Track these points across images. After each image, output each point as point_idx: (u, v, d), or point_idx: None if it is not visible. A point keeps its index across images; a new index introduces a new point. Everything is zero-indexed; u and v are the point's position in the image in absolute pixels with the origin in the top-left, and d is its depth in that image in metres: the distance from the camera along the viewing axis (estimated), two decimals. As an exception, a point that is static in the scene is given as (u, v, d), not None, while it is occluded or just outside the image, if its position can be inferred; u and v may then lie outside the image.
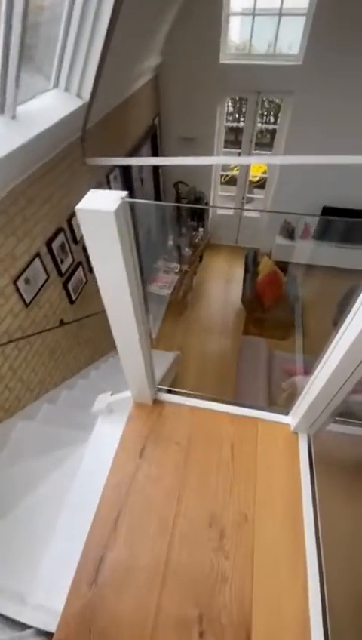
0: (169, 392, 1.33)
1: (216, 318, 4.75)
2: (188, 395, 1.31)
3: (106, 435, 1.32)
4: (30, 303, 1.97)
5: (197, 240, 4.65)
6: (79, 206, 0.63)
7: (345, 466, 1.19)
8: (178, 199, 4.97)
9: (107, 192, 0.67)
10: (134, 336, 0.95)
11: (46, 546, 1.08)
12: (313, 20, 3.39)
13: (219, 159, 4.05)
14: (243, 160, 4.39)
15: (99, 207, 0.62)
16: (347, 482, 1.17)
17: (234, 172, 6.12)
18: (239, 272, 5.29)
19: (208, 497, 1.07)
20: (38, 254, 2.00)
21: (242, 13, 3.73)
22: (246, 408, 1.25)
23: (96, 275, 0.77)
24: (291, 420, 1.23)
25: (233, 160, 4.83)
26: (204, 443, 1.18)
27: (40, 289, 2.05)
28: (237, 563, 0.96)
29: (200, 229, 4.82)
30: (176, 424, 1.22)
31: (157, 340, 4.40)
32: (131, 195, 0.69)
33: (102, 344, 3.26)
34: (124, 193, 0.67)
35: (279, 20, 3.59)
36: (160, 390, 1.32)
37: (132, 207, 0.72)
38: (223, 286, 5.18)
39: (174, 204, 4.83)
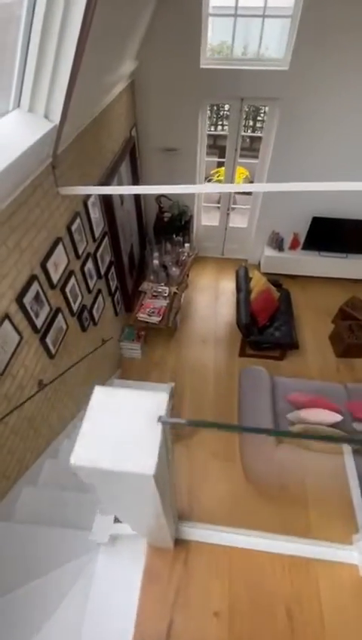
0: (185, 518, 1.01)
1: (208, 337, 4.45)
2: (218, 528, 1.00)
3: (112, 581, 0.98)
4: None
5: (184, 257, 4.33)
6: (79, 461, 0.30)
7: None
8: (160, 213, 4.64)
9: (123, 408, 0.34)
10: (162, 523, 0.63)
11: None
12: (299, 23, 3.14)
13: (203, 188, 3.76)
14: (228, 188, 4.11)
15: (125, 466, 0.29)
16: None
17: (217, 180, 5.85)
18: (227, 285, 5.01)
19: None
20: (6, 316, 1.62)
21: (223, 14, 3.42)
22: (298, 544, 0.96)
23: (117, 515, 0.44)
24: (358, 557, 0.94)
25: (217, 188, 4.52)
26: (251, 609, 0.87)
27: (11, 356, 1.67)
28: None
29: (186, 245, 4.50)
30: (210, 580, 0.91)
31: (148, 370, 4.05)
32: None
33: (85, 390, 2.88)
34: (162, 405, 0.34)
35: (263, 22, 3.31)
36: (181, 525, 1.00)
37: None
38: (213, 302, 4.89)
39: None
